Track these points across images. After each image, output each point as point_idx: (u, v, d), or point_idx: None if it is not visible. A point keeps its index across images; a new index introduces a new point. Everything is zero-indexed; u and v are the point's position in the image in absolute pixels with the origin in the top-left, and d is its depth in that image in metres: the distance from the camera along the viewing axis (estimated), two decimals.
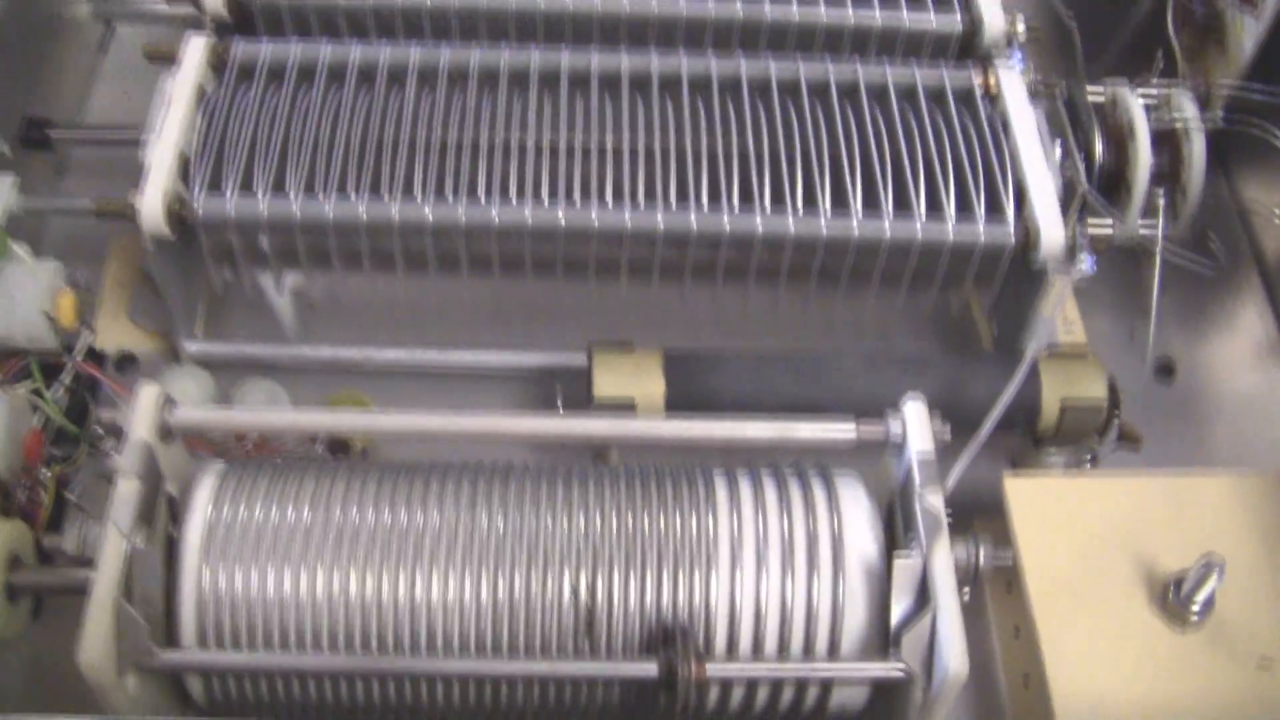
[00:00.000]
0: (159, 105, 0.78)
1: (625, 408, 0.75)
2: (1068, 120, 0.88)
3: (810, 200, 0.76)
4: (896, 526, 0.66)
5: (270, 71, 0.81)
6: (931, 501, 0.64)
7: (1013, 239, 0.76)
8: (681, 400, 0.75)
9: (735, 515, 0.65)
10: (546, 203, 0.76)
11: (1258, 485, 0.74)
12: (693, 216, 0.76)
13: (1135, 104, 0.86)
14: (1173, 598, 0.68)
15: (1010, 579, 0.73)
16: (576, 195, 0.76)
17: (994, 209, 0.76)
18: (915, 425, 0.66)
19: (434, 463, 0.67)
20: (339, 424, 0.69)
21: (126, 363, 0.84)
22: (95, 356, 0.83)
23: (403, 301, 0.79)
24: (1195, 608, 0.68)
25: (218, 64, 0.81)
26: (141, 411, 0.65)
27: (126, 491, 0.62)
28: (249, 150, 0.77)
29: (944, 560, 0.62)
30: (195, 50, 0.81)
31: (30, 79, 0.89)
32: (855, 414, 0.70)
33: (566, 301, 0.81)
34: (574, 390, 0.79)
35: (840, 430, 0.67)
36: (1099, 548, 0.72)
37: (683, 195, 0.76)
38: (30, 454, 0.74)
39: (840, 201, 0.76)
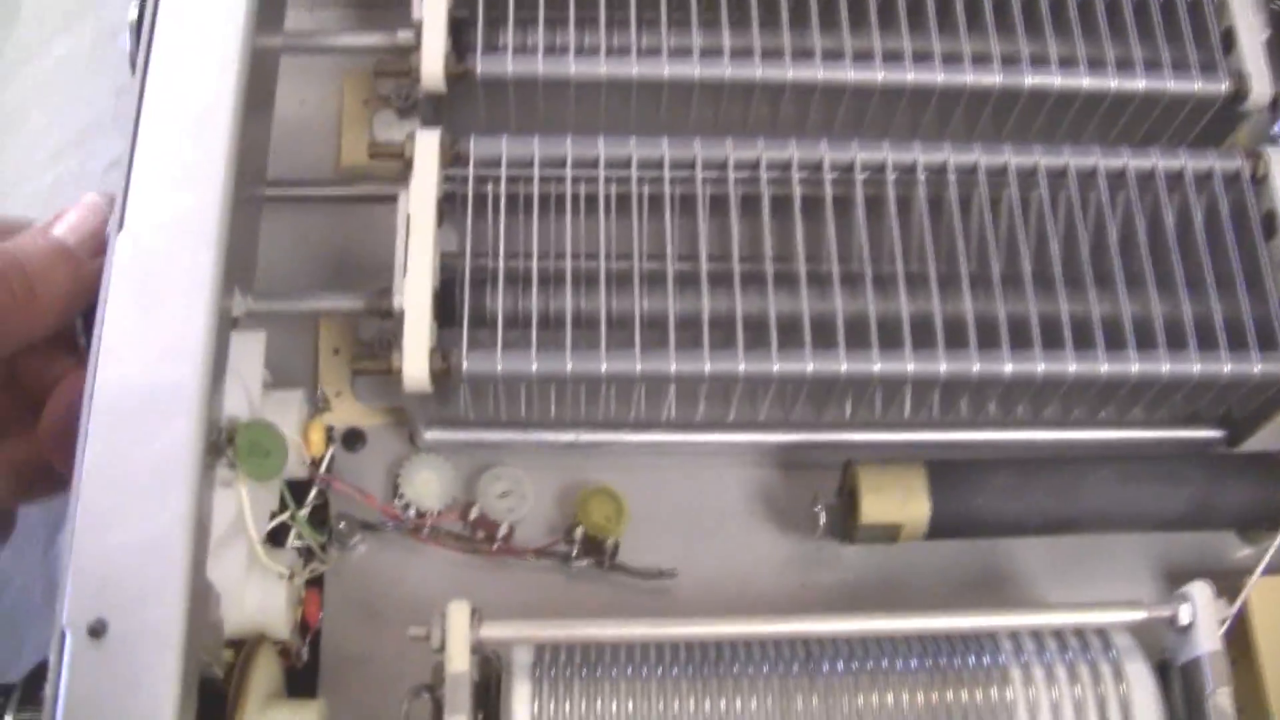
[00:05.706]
0: None
1: (890, 534, 0.77)
2: None
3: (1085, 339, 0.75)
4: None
5: None
6: (1222, 703, 0.68)
7: None
8: (945, 521, 0.77)
9: (1029, 689, 0.69)
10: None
11: None
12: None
13: None
14: None
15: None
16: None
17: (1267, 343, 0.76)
18: (1205, 615, 0.69)
19: (739, 645, 0.69)
20: (650, 634, 0.69)
21: (355, 439, 0.82)
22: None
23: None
24: None
25: None
26: (456, 642, 0.66)
27: None
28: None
29: None
30: None
31: None
32: (1112, 528, 0.77)
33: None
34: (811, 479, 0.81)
35: (1130, 615, 0.70)
36: None
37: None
38: (310, 615, 0.75)
39: (1117, 343, 0.75)
